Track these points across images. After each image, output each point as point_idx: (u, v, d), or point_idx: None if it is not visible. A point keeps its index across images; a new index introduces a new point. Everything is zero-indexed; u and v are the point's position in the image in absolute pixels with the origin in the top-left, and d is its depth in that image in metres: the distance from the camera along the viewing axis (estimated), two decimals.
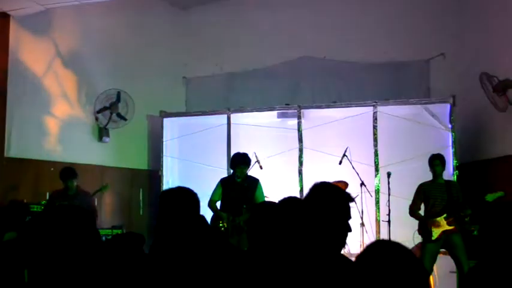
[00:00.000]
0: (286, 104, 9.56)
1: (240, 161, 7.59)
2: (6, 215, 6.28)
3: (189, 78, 11.39)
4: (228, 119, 9.64)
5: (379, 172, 8.67)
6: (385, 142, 8.81)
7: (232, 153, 8.42)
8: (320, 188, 2.73)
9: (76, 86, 9.16)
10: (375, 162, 8.76)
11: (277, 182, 8.74)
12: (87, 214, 2.47)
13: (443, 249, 7.29)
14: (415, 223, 7.45)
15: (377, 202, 8.61)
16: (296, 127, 9.25)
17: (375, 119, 8.86)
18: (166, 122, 10.06)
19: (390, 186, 7.81)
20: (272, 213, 3.14)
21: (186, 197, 2.94)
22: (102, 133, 9.45)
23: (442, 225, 7.13)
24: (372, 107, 8.91)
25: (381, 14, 10.14)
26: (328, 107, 9.32)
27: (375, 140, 8.83)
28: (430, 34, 9.77)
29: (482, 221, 2.52)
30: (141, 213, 10.12)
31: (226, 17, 11.10)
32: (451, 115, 8.62)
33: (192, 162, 9.81)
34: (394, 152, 8.67)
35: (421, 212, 7.44)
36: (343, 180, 8.07)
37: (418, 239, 7.47)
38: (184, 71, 11.32)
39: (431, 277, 7.40)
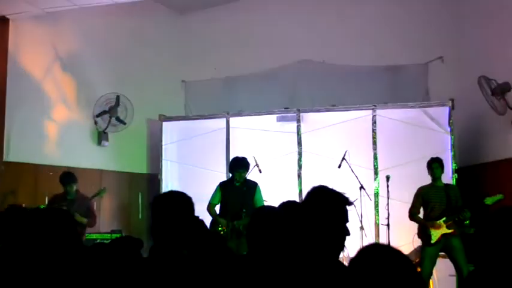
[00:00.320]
0: (285, 108, 9.57)
1: (238, 165, 7.59)
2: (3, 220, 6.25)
3: (188, 82, 11.40)
4: (227, 122, 9.64)
5: (378, 175, 8.68)
6: (384, 145, 8.81)
7: (231, 157, 8.42)
8: (318, 191, 2.73)
9: (75, 90, 9.16)
10: (374, 165, 8.76)
11: (276, 186, 8.73)
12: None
13: (442, 253, 7.29)
14: (414, 226, 7.45)
15: (376, 206, 8.61)
16: (295, 131, 9.25)
17: (374, 123, 8.87)
18: (166, 125, 10.07)
19: (389, 190, 7.81)
20: (271, 218, 3.14)
21: (178, 201, 2.93)
22: (101, 137, 9.45)
23: (441, 229, 7.13)
24: (370, 111, 8.92)
25: (380, 17, 10.15)
26: (327, 110, 9.32)
27: (374, 143, 8.83)
28: (429, 37, 9.79)
29: (478, 224, 2.53)
30: (140, 217, 10.10)
31: (225, 21, 11.12)
32: (449, 118, 8.62)
33: (191, 166, 9.80)
34: (393, 155, 8.67)
35: (421, 215, 7.44)
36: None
37: (418, 242, 7.48)
38: (183, 74, 11.32)
39: (430, 280, 7.40)
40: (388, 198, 7.79)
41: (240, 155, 7.78)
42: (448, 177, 8.10)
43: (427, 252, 7.17)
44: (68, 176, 7.67)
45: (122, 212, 9.90)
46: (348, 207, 2.71)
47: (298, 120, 9.26)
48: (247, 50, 10.86)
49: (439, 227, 7.13)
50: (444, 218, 7.13)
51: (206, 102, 10.97)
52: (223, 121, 9.67)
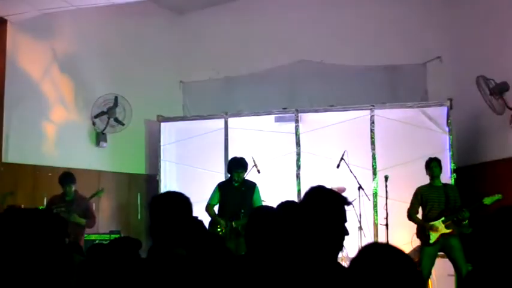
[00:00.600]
0: (283, 108, 9.56)
1: (237, 165, 7.59)
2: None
3: (186, 83, 11.38)
4: (226, 123, 9.64)
5: (377, 175, 8.68)
6: (383, 145, 8.82)
7: (229, 158, 8.41)
8: (316, 191, 2.73)
9: (73, 90, 9.17)
10: (373, 165, 8.77)
11: (275, 186, 8.72)
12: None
13: (441, 253, 7.29)
14: (413, 226, 7.46)
15: (375, 206, 8.61)
16: (293, 131, 9.25)
17: (372, 123, 8.87)
18: (164, 126, 10.06)
19: (388, 190, 7.82)
20: (270, 218, 3.14)
21: (177, 201, 2.93)
22: (99, 138, 9.45)
23: (440, 229, 7.14)
24: (369, 111, 8.92)
25: (378, 17, 10.15)
26: (325, 110, 9.32)
27: (373, 143, 8.83)
28: (427, 37, 9.78)
29: (478, 224, 2.53)
30: (139, 217, 10.10)
31: (223, 22, 11.11)
32: (448, 118, 8.63)
33: (190, 166, 9.80)
34: (391, 155, 8.68)
35: (419, 215, 7.44)
36: (341, 186, 8.04)
37: (416, 242, 7.48)
38: (181, 75, 11.31)
39: (429, 280, 7.40)
40: (386, 198, 7.80)
41: (238, 156, 7.78)
42: (446, 177, 8.11)
43: (426, 252, 7.18)
44: (67, 176, 7.67)
45: (121, 213, 9.90)
46: (347, 207, 2.71)
47: (297, 121, 9.26)
48: (245, 51, 10.85)
49: (436, 228, 7.14)
50: (443, 218, 7.13)
51: (204, 103, 10.96)
52: (221, 121, 9.67)
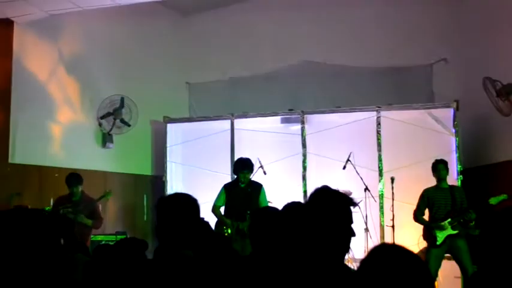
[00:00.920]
0: (289, 109, 9.55)
1: (243, 166, 7.59)
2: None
3: (192, 84, 11.40)
4: (232, 124, 9.65)
5: (383, 177, 8.67)
6: (389, 147, 8.80)
7: (235, 159, 8.42)
8: (321, 192, 2.73)
9: (79, 91, 9.18)
10: (379, 167, 8.76)
11: (281, 188, 8.72)
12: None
13: (448, 254, 7.28)
14: (419, 228, 7.44)
15: (381, 207, 8.60)
16: (299, 132, 9.25)
17: (379, 124, 8.86)
18: (170, 127, 10.08)
19: (394, 191, 7.81)
20: (273, 218, 3.14)
21: (184, 202, 2.93)
22: (105, 139, 9.45)
23: (446, 230, 7.12)
24: (375, 112, 8.91)
25: (384, 18, 10.14)
26: (331, 112, 9.32)
27: (379, 144, 8.82)
28: (433, 39, 9.78)
29: (483, 225, 2.51)
30: (145, 218, 10.12)
31: (228, 23, 11.12)
32: (454, 120, 8.61)
33: (196, 167, 9.81)
34: (397, 157, 8.67)
35: (425, 217, 7.43)
36: (348, 190, 8.01)
37: (423, 243, 7.46)
38: (187, 76, 11.33)
39: (436, 282, 7.38)
40: (392, 199, 7.80)
41: (244, 157, 7.78)
42: (453, 178, 8.09)
43: (433, 253, 7.16)
44: (75, 177, 7.68)
45: (127, 214, 9.91)
46: (353, 209, 2.70)
47: (303, 122, 9.26)
48: (251, 52, 10.86)
49: (443, 229, 7.12)
50: (449, 220, 7.12)
51: (211, 104, 10.97)
52: (227, 123, 9.68)
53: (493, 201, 6.86)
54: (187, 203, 2.92)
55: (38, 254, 2.36)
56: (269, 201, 7.65)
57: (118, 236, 8.35)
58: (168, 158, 10.00)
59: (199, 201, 3.03)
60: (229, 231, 7.42)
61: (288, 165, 9.20)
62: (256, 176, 8.00)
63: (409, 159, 8.50)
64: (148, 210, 10.14)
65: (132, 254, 2.54)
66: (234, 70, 10.95)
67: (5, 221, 2.43)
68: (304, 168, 9.11)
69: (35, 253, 2.35)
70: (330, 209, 2.63)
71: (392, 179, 7.89)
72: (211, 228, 4.07)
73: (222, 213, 7.67)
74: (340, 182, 7.94)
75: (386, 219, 8.24)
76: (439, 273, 7.29)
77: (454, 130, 8.62)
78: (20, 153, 8.02)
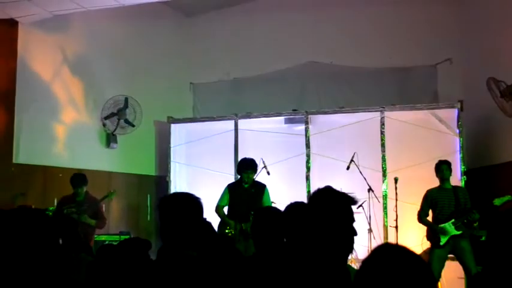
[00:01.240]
0: (293, 110, 9.55)
1: (246, 166, 7.60)
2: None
3: (196, 84, 11.41)
4: (235, 124, 9.64)
5: (387, 177, 8.65)
6: (393, 147, 8.79)
7: (239, 159, 8.42)
8: (322, 192, 2.73)
9: (84, 92, 9.20)
10: (383, 167, 8.75)
11: (285, 188, 8.73)
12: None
13: (451, 255, 7.27)
14: (423, 228, 7.44)
15: (385, 207, 8.59)
16: (303, 133, 9.25)
17: (382, 124, 8.85)
18: (174, 127, 10.08)
19: (398, 192, 7.80)
20: (275, 218, 3.14)
21: (187, 202, 2.93)
22: (109, 139, 9.47)
23: (450, 231, 7.11)
24: (379, 112, 8.90)
25: (388, 19, 10.14)
26: (335, 112, 9.32)
27: (383, 145, 8.81)
28: (437, 39, 9.77)
29: (489, 226, 2.51)
30: (148, 219, 10.13)
31: (232, 23, 11.14)
32: (458, 120, 8.60)
33: (200, 168, 9.82)
34: (401, 157, 8.66)
35: (429, 218, 7.42)
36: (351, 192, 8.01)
37: (426, 244, 7.45)
38: (191, 77, 11.34)
39: (439, 283, 7.37)
40: (396, 200, 7.78)
41: (248, 157, 7.79)
42: (457, 179, 8.08)
43: (436, 254, 7.15)
44: (80, 177, 7.70)
45: (131, 214, 9.92)
46: (356, 209, 2.71)
47: (307, 122, 9.26)
48: (255, 52, 10.86)
49: (446, 230, 7.10)
50: (453, 220, 7.10)
51: (214, 104, 10.98)
52: (231, 123, 9.68)
53: (498, 202, 6.85)
54: (189, 203, 2.92)
55: (36, 253, 2.36)
56: (272, 202, 7.66)
57: (122, 236, 8.37)
58: (171, 158, 10.00)
59: (203, 202, 3.03)
60: (232, 231, 7.42)
61: (291, 166, 9.19)
62: (259, 177, 8.00)
63: (412, 159, 8.48)
64: (152, 211, 10.15)
65: (135, 254, 2.55)
66: (237, 70, 10.95)
67: (5, 221, 2.44)
68: (308, 168, 9.11)
69: (33, 252, 2.36)
70: (330, 208, 2.64)
71: (396, 180, 7.88)
72: (213, 229, 4.07)
73: (226, 213, 7.68)
74: (343, 182, 7.95)
75: (390, 219, 8.22)
76: (443, 273, 7.28)
77: (458, 130, 8.60)
78: (24, 153, 8.04)
